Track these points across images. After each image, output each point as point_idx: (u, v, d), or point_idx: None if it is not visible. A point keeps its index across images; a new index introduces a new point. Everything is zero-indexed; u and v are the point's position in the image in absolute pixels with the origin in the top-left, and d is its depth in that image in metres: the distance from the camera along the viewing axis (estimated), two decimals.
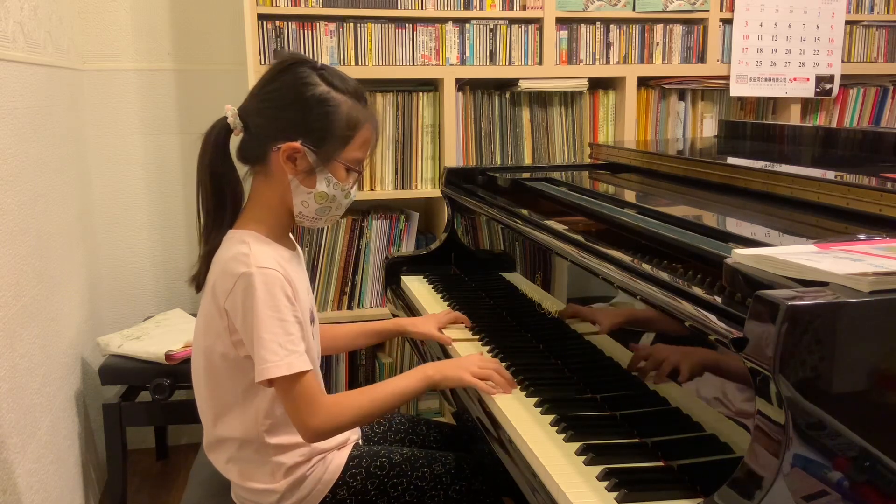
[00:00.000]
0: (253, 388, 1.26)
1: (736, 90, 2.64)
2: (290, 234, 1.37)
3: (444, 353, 1.56)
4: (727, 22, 2.61)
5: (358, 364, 2.58)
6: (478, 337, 1.57)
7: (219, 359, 1.27)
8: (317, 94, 1.23)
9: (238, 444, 1.30)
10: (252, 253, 1.22)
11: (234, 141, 1.30)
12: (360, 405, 1.25)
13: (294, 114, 1.24)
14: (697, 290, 0.98)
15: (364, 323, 1.66)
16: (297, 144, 1.23)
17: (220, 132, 1.27)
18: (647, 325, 1.15)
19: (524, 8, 2.47)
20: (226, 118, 1.27)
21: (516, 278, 1.70)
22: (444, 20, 2.43)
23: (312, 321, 1.35)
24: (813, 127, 2.32)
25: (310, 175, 1.25)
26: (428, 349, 1.62)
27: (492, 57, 2.48)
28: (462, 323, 1.64)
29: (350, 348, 1.72)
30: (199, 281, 1.31)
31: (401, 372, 2.58)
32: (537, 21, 2.49)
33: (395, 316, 2.02)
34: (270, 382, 1.20)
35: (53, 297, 1.99)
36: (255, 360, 1.19)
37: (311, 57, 1.28)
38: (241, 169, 1.31)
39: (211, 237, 1.30)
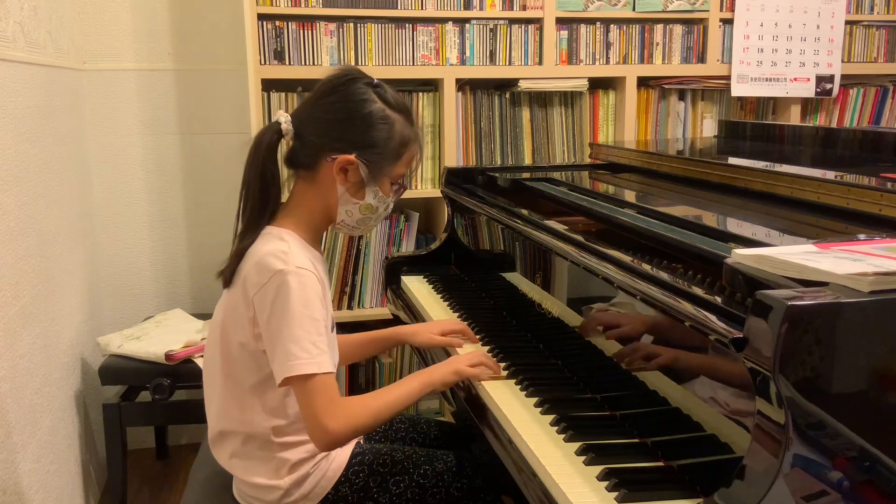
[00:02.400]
0: (265, 383, 1.27)
1: (737, 90, 2.64)
2: None
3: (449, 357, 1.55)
4: (727, 22, 2.61)
5: (358, 365, 2.58)
6: (479, 338, 1.56)
7: (237, 348, 1.27)
8: (374, 112, 1.27)
9: (243, 439, 1.31)
10: (291, 251, 1.23)
11: (282, 145, 1.31)
12: (374, 409, 1.26)
13: (351, 128, 1.27)
14: (697, 290, 0.98)
15: (360, 334, 1.63)
16: (352, 157, 1.26)
17: (272, 137, 1.29)
18: (650, 329, 1.15)
19: (524, 8, 2.47)
20: (278, 123, 1.28)
21: (516, 278, 1.70)
22: (444, 20, 2.43)
23: (332, 329, 1.36)
24: (813, 127, 2.32)
25: (359, 188, 1.29)
26: (433, 356, 1.62)
27: (492, 57, 2.48)
28: (465, 336, 1.56)
29: (348, 361, 1.69)
30: (227, 276, 1.31)
31: (400, 373, 2.61)
32: (537, 21, 2.49)
33: (395, 316, 2.02)
34: (287, 381, 1.20)
35: (53, 297, 1.99)
36: (281, 357, 1.19)
37: (366, 73, 1.30)
38: (284, 171, 1.33)
39: (245, 236, 1.30)
